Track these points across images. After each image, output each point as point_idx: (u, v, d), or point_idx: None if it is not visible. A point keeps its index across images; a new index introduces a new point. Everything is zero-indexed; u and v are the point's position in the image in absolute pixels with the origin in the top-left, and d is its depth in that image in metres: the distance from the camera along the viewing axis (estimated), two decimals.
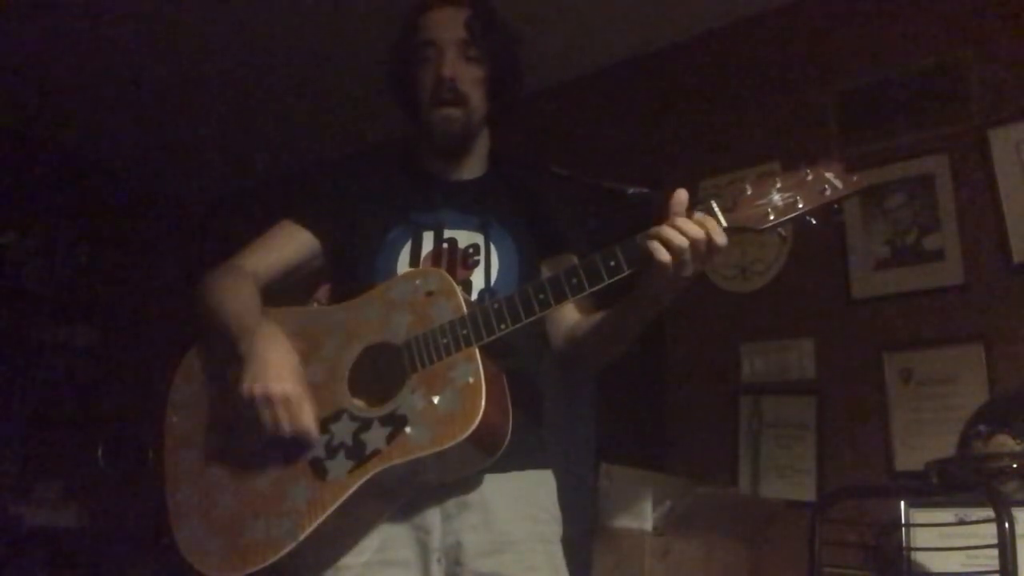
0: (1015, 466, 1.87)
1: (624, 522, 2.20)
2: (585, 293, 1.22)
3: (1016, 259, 2.42)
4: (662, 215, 1.20)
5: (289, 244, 1.48)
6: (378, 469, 1.21)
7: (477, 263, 1.42)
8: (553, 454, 1.48)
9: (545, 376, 1.49)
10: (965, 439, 2.02)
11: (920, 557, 1.99)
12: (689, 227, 1.16)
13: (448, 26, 1.45)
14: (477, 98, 1.45)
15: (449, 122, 1.44)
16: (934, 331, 2.51)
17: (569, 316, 1.45)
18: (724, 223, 1.18)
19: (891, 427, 2.53)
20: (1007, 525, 1.73)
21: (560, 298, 1.22)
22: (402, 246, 1.44)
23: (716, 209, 1.18)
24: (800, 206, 1.16)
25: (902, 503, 2.05)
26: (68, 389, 4.18)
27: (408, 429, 1.21)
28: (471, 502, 1.33)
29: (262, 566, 1.23)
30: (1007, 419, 1.97)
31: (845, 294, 2.71)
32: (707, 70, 3.20)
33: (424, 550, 1.32)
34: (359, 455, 1.23)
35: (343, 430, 1.26)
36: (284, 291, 1.48)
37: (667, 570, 2.18)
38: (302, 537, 1.22)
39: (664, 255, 1.16)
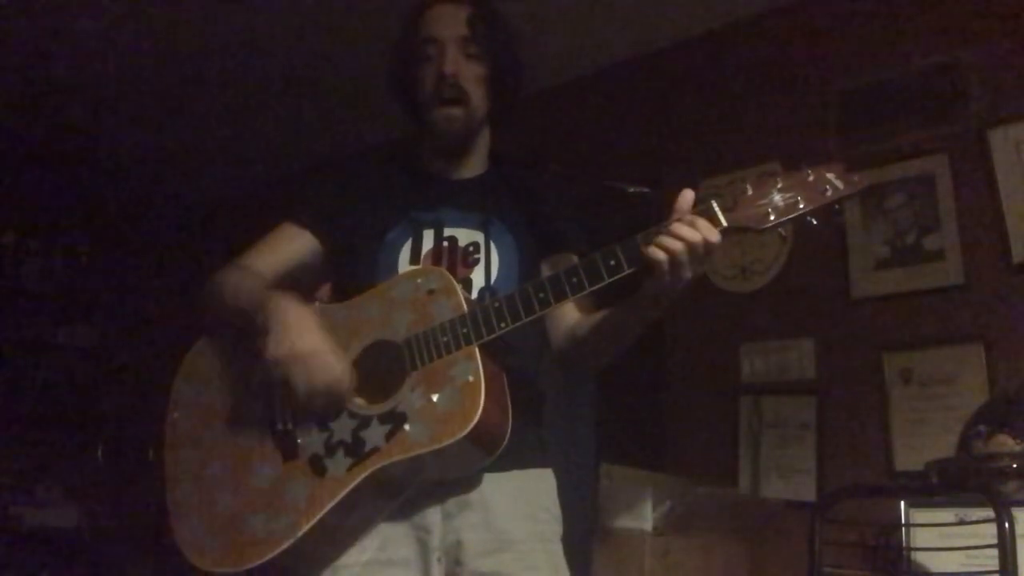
0: (1015, 466, 1.87)
1: (624, 522, 2.21)
2: (585, 292, 1.22)
3: (1016, 259, 2.42)
4: (662, 214, 1.20)
5: (290, 246, 1.48)
6: (377, 466, 1.22)
7: (477, 261, 1.42)
8: (553, 454, 1.48)
9: (545, 376, 1.49)
10: (965, 439, 2.02)
11: (920, 557, 1.99)
12: (683, 230, 1.16)
13: (449, 23, 1.45)
14: (478, 96, 1.45)
15: (450, 122, 1.44)
16: (934, 331, 2.51)
17: (569, 315, 1.45)
18: (724, 223, 1.18)
19: (891, 427, 2.53)
20: (1007, 525, 1.73)
21: (560, 297, 1.22)
22: (402, 244, 1.44)
23: (716, 209, 1.18)
24: (801, 206, 1.16)
25: (902, 503, 2.05)
26: (68, 389, 4.18)
27: (407, 427, 1.22)
28: (471, 501, 1.33)
29: (261, 562, 1.23)
30: (1007, 419, 1.97)
31: (845, 294, 2.71)
32: (707, 70, 3.20)
33: (424, 549, 1.32)
34: (358, 452, 1.23)
35: (342, 427, 1.26)
36: (285, 291, 1.48)
37: (667, 570, 2.18)
38: (300, 534, 1.22)
39: (661, 256, 1.16)
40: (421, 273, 1.34)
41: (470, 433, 1.18)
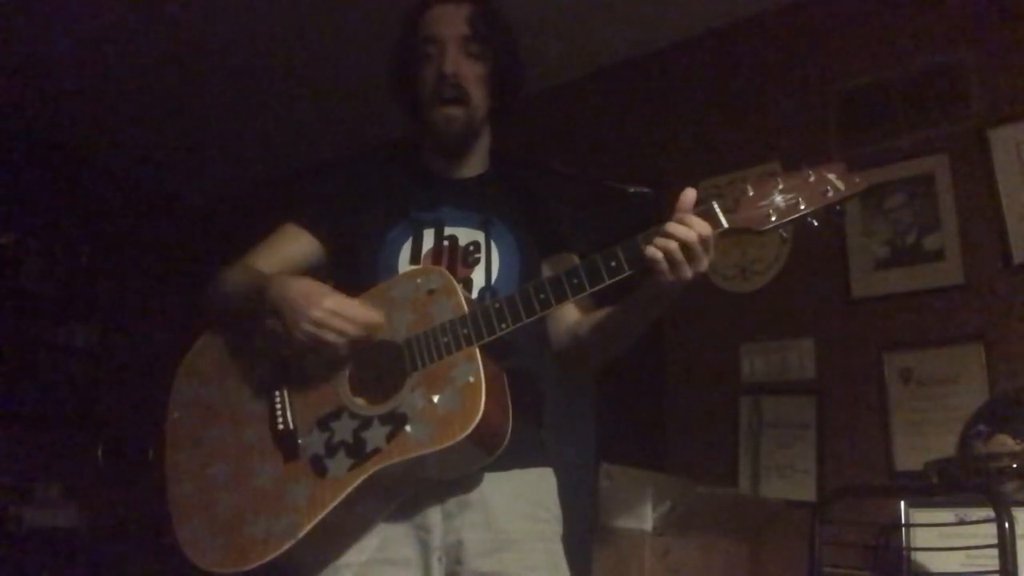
0: (1015, 466, 1.87)
1: (624, 522, 2.21)
2: (586, 293, 1.22)
3: (1016, 259, 2.42)
4: (663, 215, 1.20)
5: (292, 247, 1.48)
6: (378, 467, 1.21)
7: (478, 261, 1.42)
8: (553, 454, 1.48)
9: (545, 375, 1.49)
10: (965, 439, 2.02)
11: (920, 557, 1.99)
12: (678, 229, 1.16)
13: (450, 22, 1.45)
14: (479, 95, 1.45)
15: (450, 121, 1.44)
16: (934, 331, 2.52)
17: (570, 315, 1.45)
18: (725, 224, 1.18)
19: (891, 427, 2.53)
20: (1007, 525, 1.73)
21: (561, 298, 1.22)
22: (403, 244, 1.44)
23: (717, 210, 1.18)
24: (802, 207, 1.16)
25: (902, 503, 2.06)
26: (68, 389, 4.18)
27: (408, 428, 1.22)
28: (472, 501, 1.33)
29: (262, 563, 1.23)
30: (1007, 419, 1.97)
31: (845, 294, 2.71)
32: (707, 70, 3.20)
33: (425, 549, 1.32)
34: (359, 453, 1.23)
35: (343, 428, 1.26)
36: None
37: (667, 570, 2.18)
38: (301, 534, 1.22)
39: (659, 256, 1.16)
40: (421, 273, 1.34)
41: (471, 434, 1.18)
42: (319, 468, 1.25)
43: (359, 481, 1.22)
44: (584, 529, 2.22)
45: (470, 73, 1.44)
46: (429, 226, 1.44)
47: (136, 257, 4.59)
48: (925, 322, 2.54)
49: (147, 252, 4.64)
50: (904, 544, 2.02)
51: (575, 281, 1.21)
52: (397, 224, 1.45)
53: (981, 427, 1.99)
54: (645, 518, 2.17)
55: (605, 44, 3.35)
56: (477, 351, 1.23)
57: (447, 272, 1.31)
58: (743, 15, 3.11)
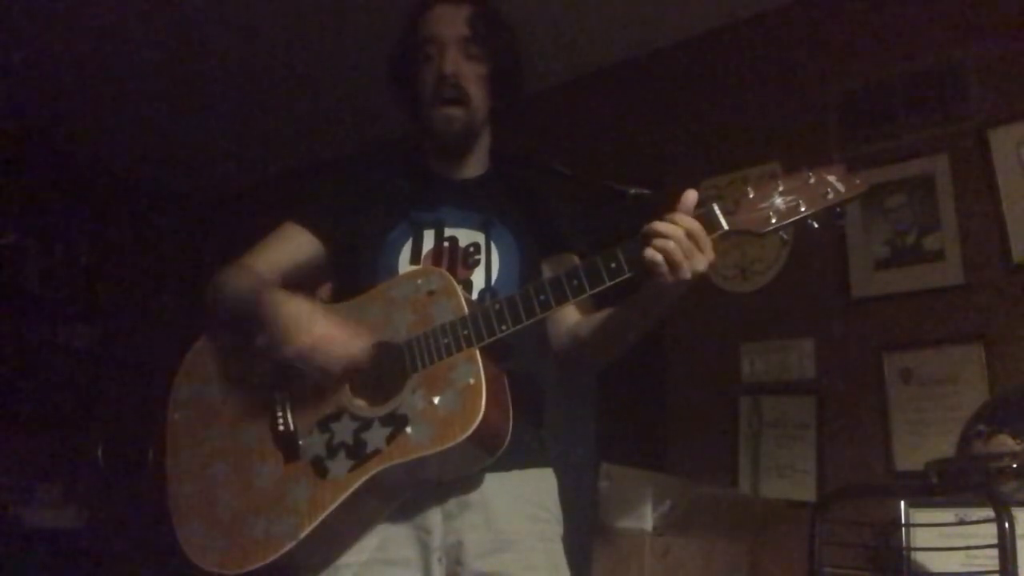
0: (1015, 466, 1.87)
1: (624, 522, 2.21)
2: (586, 295, 1.22)
3: (1016, 259, 2.42)
4: (663, 216, 1.19)
5: (292, 246, 1.48)
6: (378, 469, 1.22)
7: (478, 262, 1.42)
8: (553, 454, 1.48)
9: (546, 376, 1.49)
10: (965, 439, 2.02)
11: (920, 557, 1.99)
12: (670, 229, 1.16)
13: (450, 23, 1.45)
14: (479, 96, 1.45)
15: (450, 122, 1.44)
16: (934, 331, 2.52)
17: (570, 316, 1.45)
18: (726, 226, 1.18)
19: (891, 427, 2.53)
20: (1007, 525, 1.74)
21: (561, 300, 1.22)
22: (403, 245, 1.44)
23: (717, 212, 1.18)
24: (802, 209, 1.16)
25: (902, 503, 2.06)
26: (68, 389, 4.18)
27: (408, 429, 1.22)
28: (472, 501, 1.33)
29: (262, 564, 1.23)
30: (1007, 419, 1.97)
31: (845, 294, 2.71)
32: (707, 70, 3.20)
33: (425, 549, 1.32)
34: (359, 454, 1.23)
35: (344, 429, 1.26)
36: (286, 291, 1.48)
37: (667, 570, 2.18)
38: (302, 536, 1.22)
39: (658, 258, 1.16)
40: (421, 274, 1.34)
41: (471, 435, 1.18)
42: (320, 469, 1.25)
43: (360, 482, 1.22)
44: (584, 529, 2.22)
45: (470, 74, 1.44)
46: (429, 227, 1.44)
47: (136, 257, 4.59)
48: (925, 322, 2.54)
49: (147, 252, 4.64)
50: (904, 544, 2.02)
51: (575, 282, 1.21)
52: (397, 225, 1.45)
53: (981, 427, 1.99)
54: (645, 518, 2.17)
55: (605, 44, 3.34)
56: (477, 352, 1.23)
57: (447, 273, 1.31)
58: (743, 15, 3.11)
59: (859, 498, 2.20)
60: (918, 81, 2.69)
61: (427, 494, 1.32)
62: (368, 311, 1.33)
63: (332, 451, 1.25)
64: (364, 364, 1.25)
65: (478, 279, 1.41)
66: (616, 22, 3.20)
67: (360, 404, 1.27)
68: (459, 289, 1.29)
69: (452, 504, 1.33)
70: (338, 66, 3.54)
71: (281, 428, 1.29)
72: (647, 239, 1.17)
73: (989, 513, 1.78)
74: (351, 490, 1.22)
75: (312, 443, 1.27)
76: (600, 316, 1.40)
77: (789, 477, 2.69)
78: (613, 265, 1.20)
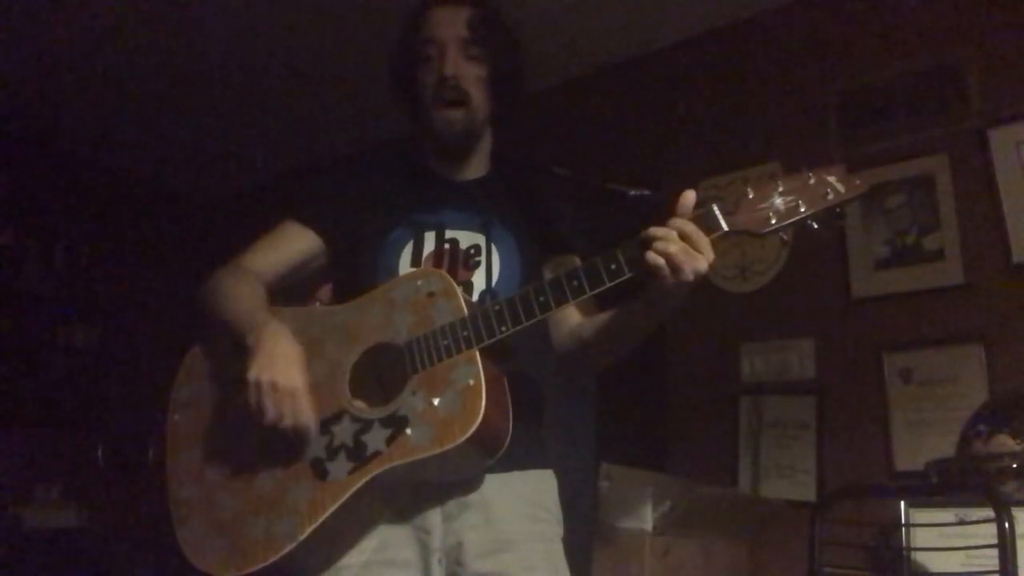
0: (1015, 466, 1.88)
1: (624, 522, 2.21)
2: (586, 296, 1.21)
3: (1016, 259, 2.42)
4: (664, 216, 1.19)
5: (292, 244, 1.48)
6: (378, 470, 1.21)
7: (478, 264, 1.42)
8: (553, 454, 1.48)
9: (546, 377, 1.49)
10: (965, 439, 2.02)
11: (920, 557, 1.99)
12: (669, 232, 1.16)
13: (450, 24, 1.45)
14: (479, 97, 1.45)
15: (451, 123, 1.44)
16: (934, 331, 2.52)
17: (571, 317, 1.45)
18: (725, 227, 1.17)
19: (891, 427, 2.53)
20: (1007, 525, 1.74)
21: (561, 301, 1.22)
22: (403, 246, 1.43)
23: (717, 213, 1.18)
24: (802, 210, 1.16)
25: (902, 503, 2.06)
26: (68, 389, 4.18)
27: (409, 431, 1.22)
28: (472, 502, 1.33)
29: (262, 565, 1.23)
30: (1007, 419, 1.97)
31: (845, 294, 2.71)
32: (707, 70, 3.20)
33: (425, 550, 1.32)
34: (360, 456, 1.23)
35: (344, 431, 1.26)
36: (285, 291, 1.48)
37: (667, 570, 2.18)
38: (302, 537, 1.22)
39: (658, 261, 1.16)
40: (421, 275, 1.34)
41: (471, 436, 1.18)
42: (320, 471, 1.25)
43: (360, 484, 1.22)
44: (584, 529, 2.22)
45: (470, 75, 1.44)
46: (430, 229, 1.44)
47: (136, 257, 4.59)
48: (925, 322, 2.54)
49: (147, 252, 4.64)
50: (904, 544, 2.02)
51: (575, 284, 1.21)
52: (398, 226, 1.45)
53: (981, 427, 2.00)
54: (645, 518, 2.17)
55: (605, 44, 3.35)
56: (477, 354, 1.23)
57: (447, 275, 1.31)
58: (743, 15, 3.11)
59: (859, 498, 2.19)
60: (918, 81, 2.69)
61: (427, 495, 1.32)
62: (368, 312, 1.33)
63: (332, 453, 1.25)
64: (308, 436, 1.25)
65: (479, 281, 1.41)
66: (616, 22, 3.20)
67: (360, 406, 1.27)
68: (459, 290, 1.28)
69: (452, 505, 1.33)
70: (338, 66, 3.54)
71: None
72: (647, 243, 1.17)
73: (989, 513, 1.78)
74: (351, 492, 1.22)
75: (312, 445, 1.27)
76: (603, 317, 1.39)
77: (789, 477, 2.69)
78: (613, 266, 1.19)
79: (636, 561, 2.16)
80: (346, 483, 1.23)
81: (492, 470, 1.30)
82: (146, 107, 3.95)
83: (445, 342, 1.24)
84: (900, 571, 2.03)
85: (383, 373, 1.28)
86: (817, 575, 2.03)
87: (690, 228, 1.16)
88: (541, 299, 1.22)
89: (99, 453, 4.08)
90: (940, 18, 2.68)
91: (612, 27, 3.23)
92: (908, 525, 2.03)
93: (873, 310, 2.65)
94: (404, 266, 1.42)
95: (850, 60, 2.85)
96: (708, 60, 3.20)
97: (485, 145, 1.54)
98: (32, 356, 4.10)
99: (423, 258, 1.42)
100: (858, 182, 1.16)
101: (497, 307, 1.24)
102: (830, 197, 1.15)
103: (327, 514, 1.22)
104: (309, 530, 1.22)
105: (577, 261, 1.40)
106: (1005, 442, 1.93)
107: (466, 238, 1.44)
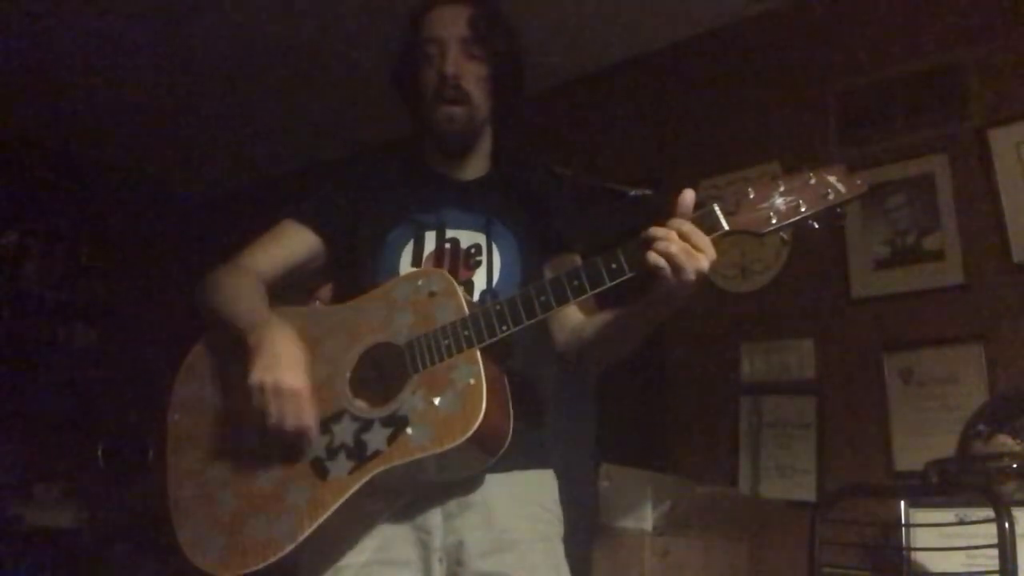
0: (1015, 466, 1.88)
1: (624, 522, 2.21)
2: (587, 295, 1.21)
3: (1016, 259, 2.42)
4: (664, 217, 1.19)
5: (291, 243, 1.48)
6: (379, 470, 1.21)
7: (479, 263, 1.42)
8: (553, 454, 1.48)
9: (546, 377, 1.49)
10: (965, 439, 2.02)
11: (920, 557, 1.99)
12: (670, 232, 1.16)
13: (451, 24, 1.45)
14: (480, 96, 1.45)
15: (452, 120, 1.44)
16: (934, 331, 2.52)
17: (573, 316, 1.45)
18: (726, 227, 1.17)
19: (891, 427, 2.53)
20: (1007, 525, 1.74)
21: (562, 300, 1.22)
22: (404, 246, 1.43)
23: (718, 213, 1.18)
24: (803, 210, 1.16)
25: (902, 503, 2.06)
26: (68, 389, 4.18)
27: (409, 430, 1.22)
28: (473, 502, 1.33)
29: (263, 565, 1.23)
30: (1007, 419, 1.97)
31: (845, 294, 2.71)
32: (707, 70, 3.20)
33: (425, 550, 1.32)
34: (360, 456, 1.23)
35: (344, 430, 1.26)
36: (285, 290, 1.48)
37: (667, 570, 2.18)
38: (302, 537, 1.22)
39: (659, 261, 1.16)
40: (422, 275, 1.34)
41: (472, 436, 1.18)
42: (320, 470, 1.25)
43: (360, 483, 1.22)
44: (584, 529, 2.22)
45: (471, 75, 1.43)
46: (431, 228, 1.44)
47: (136, 257, 4.59)
48: (925, 322, 2.54)
49: (147, 252, 4.64)
50: (904, 544, 2.02)
51: (576, 283, 1.21)
52: (398, 225, 1.45)
53: (981, 427, 2.00)
54: (645, 518, 2.17)
55: (605, 44, 3.35)
56: (478, 353, 1.23)
57: (448, 274, 1.31)
58: (743, 16, 3.11)
59: (859, 498, 2.19)
60: (918, 81, 2.69)
61: (428, 495, 1.32)
62: (369, 312, 1.33)
63: (332, 452, 1.25)
64: (310, 436, 1.25)
65: (479, 280, 1.41)
66: (616, 22, 3.20)
67: (361, 405, 1.27)
68: (460, 290, 1.29)
69: (452, 504, 1.33)
70: (338, 66, 3.54)
71: None
72: (648, 243, 1.17)
73: (989, 513, 1.78)
74: (351, 491, 1.22)
75: (312, 444, 1.27)
76: (604, 317, 1.39)
77: (789, 477, 2.69)
78: (614, 266, 1.20)
79: (636, 561, 2.16)
80: (346, 482, 1.22)
81: (493, 469, 1.30)
82: (146, 107, 3.95)
83: (446, 341, 1.24)
84: (900, 571, 2.03)
85: (384, 373, 1.28)
86: (817, 575, 2.03)
87: (690, 228, 1.16)
88: (542, 298, 1.23)
89: (99, 453, 4.07)
90: (940, 18, 2.68)
91: (612, 27, 3.23)
92: (908, 525, 2.03)
93: (873, 310, 2.65)
94: (405, 265, 1.42)
95: (850, 60, 2.85)
96: (708, 60, 3.20)
97: (485, 144, 1.53)
98: (32, 356, 4.10)
99: (424, 257, 1.42)
100: (859, 182, 1.16)
101: (498, 306, 1.24)
102: (831, 197, 1.15)
103: (327, 513, 1.22)
104: (309, 529, 1.22)
105: (577, 260, 1.40)
106: (1005, 442, 1.93)
107: (467, 237, 1.44)
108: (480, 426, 1.18)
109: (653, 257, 1.16)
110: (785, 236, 1.20)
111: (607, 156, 3.31)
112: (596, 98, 3.50)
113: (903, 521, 2.04)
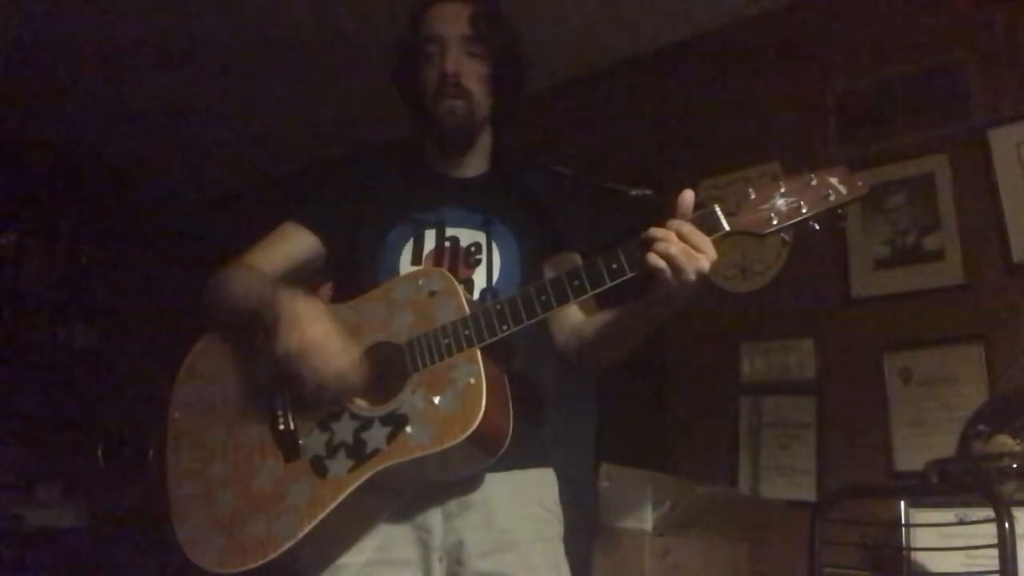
0: (1015, 466, 1.88)
1: (624, 522, 2.21)
2: (587, 295, 1.22)
3: (1016, 259, 2.42)
4: (664, 216, 1.19)
5: (292, 245, 1.48)
6: (378, 468, 1.22)
7: (479, 262, 1.42)
8: (553, 454, 1.48)
9: (546, 377, 1.49)
10: (965, 439, 2.02)
11: (920, 557, 1.99)
12: (669, 233, 1.16)
13: (452, 22, 1.45)
14: (480, 94, 1.45)
15: (453, 113, 1.44)
16: (934, 331, 2.52)
17: (573, 316, 1.45)
18: (727, 228, 1.17)
19: (891, 427, 2.53)
20: (1007, 525, 1.74)
21: (562, 300, 1.22)
22: (404, 244, 1.44)
23: (719, 214, 1.18)
24: (804, 211, 1.16)
25: (902, 503, 2.06)
26: (68, 389, 4.18)
27: (409, 429, 1.22)
28: (473, 501, 1.33)
29: (262, 562, 1.23)
30: (1007, 419, 1.97)
31: (845, 294, 2.71)
32: (707, 70, 3.20)
33: (425, 549, 1.32)
34: (359, 454, 1.23)
35: (344, 429, 1.26)
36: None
37: (667, 570, 2.18)
38: (301, 535, 1.22)
39: (659, 262, 1.16)
40: (423, 274, 1.34)
41: (472, 435, 1.18)
42: (319, 469, 1.25)
43: (359, 482, 1.22)
44: (584, 529, 2.22)
45: (471, 73, 1.44)
46: (431, 227, 1.44)
47: (136, 257, 4.59)
48: (925, 322, 2.54)
49: (147, 252, 4.64)
50: (904, 544, 2.02)
51: (576, 283, 1.21)
52: (398, 224, 1.45)
53: (981, 427, 2.00)
54: (645, 518, 2.17)
55: (605, 44, 3.35)
56: (478, 352, 1.23)
57: (449, 274, 1.31)
58: (743, 16, 3.11)
59: (859, 498, 2.19)
60: (918, 81, 2.69)
61: (427, 494, 1.33)
62: (369, 311, 1.33)
63: (332, 450, 1.25)
64: (352, 378, 1.24)
65: (479, 278, 1.41)
66: (616, 22, 3.20)
67: (360, 404, 1.27)
68: (460, 289, 1.29)
69: (452, 504, 1.33)
70: (339, 65, 3.54)
71: (281, 427, 1.29)
72: (648, 244, 1.17)
73: (989, 513, 1.78)
74: (351, 489, 1.22)
75: (312, 442, 1.27)
76: (606, 316, 1.39)
77: (789, 477, 2.69)
78: (615, 266, 1.20)
79: (636, 561, 2.16)
80: (346, 481, 1.23)
81: (493, 469, 1.30)
82: (146, 107, 3.95)
83: (446, 341, 1.24)
84: (900, 571, 2.03)
85: (384, 372, 1.28)
86: (817, 575, 2.03)
87: (690, 228, 1.16)
88: (543, 298, 1.23)
89: (99, 453, 4.07)
90: (940, 18, 2.68)
91: (612, 27, 3.23)
92: (908, 525, 2.03)
93: (873, 310, 2.65)
94: (405, 264, 1.42)
95: (850, 60, 2.85)
96: (708, 60, 3.20)
97: (485, 143, 1.54)
98: (32, 356, 4.10)
99: (424, 255, 1.42)
100: (860, 183, 1.16)
101: (498, 306, 1.24)
102: (832, 198, 1.15)
103: (327, 512, 1.22)
104: (308, 527, 1.22)
105: (577, 260, 1.40)
106: (1005, 442, 1.93)
107: (467, 236, 1.44)
108: (480, 425, 1.18)
109: (653, 258, 1.16)
110: (786, 237, 1.20)
111: (607, 156, 3.31)
112: (596, 98, 3.50)
113: (903, 521, 2.04)
